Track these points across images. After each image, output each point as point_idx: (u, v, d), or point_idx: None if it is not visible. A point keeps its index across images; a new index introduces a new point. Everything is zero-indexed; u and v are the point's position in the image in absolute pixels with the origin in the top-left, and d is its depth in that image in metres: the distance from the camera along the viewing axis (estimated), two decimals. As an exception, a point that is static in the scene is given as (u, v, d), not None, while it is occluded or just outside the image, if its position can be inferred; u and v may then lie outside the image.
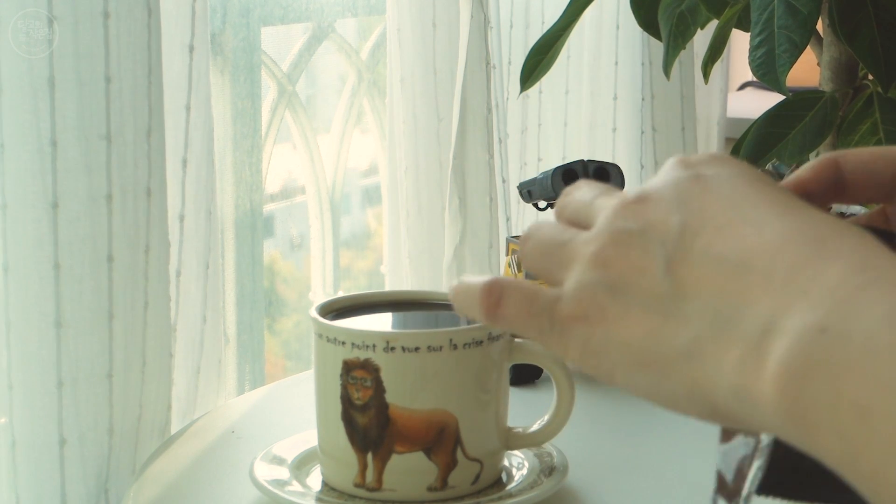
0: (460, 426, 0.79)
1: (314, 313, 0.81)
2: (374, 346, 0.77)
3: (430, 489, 0.79)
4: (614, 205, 0.46)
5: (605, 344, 0.44)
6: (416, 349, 0.77)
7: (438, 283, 1.38)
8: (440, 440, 0.78)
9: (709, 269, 0.43)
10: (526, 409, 0.90)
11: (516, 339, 0.81)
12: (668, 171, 0.47)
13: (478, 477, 0.80)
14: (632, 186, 1.59)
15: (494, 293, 0.47)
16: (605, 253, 0.45)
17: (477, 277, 0.48)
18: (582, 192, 0.50)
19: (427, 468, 0.79)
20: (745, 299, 0.41)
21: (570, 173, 1.01)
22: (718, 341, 0.41)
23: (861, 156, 0.55)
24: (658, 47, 1.49)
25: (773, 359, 0.39)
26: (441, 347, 0.77)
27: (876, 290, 0.38)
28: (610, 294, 0.44)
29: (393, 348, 0.77)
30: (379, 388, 0.77)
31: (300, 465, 0.83)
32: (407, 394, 0.77)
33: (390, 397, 0.77)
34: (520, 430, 0.82)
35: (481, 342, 0.79)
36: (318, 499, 0.79)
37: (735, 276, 0.42)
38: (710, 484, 0.49)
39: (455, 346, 0.78)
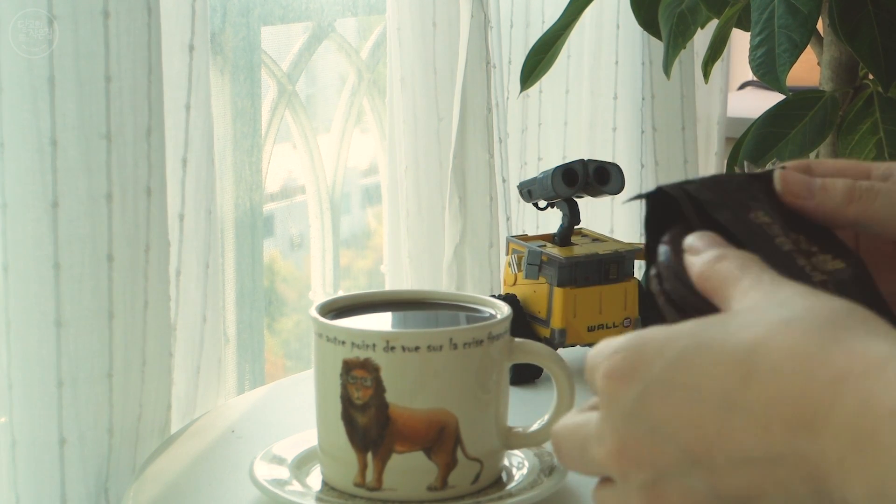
0: (460, 426, 0.79)
1: (314, 313, 0.81)
2: (374, 345, 0.77)
3: (430, 489, 0.79)
4: (614, 471, 0.46)
5: None
6: (416, 349, 0.77)
7: (438, 282, 1.38)
8: (440, 440, 0.78)
9: (747, 471, 0.43)
10: (526, 409, 0.90)
11: (516, 339, 0.81)
12: (611, 399, 0.46)
13: (478, 476, 0.80)
14: (632, 187, 1.59)
15: None
16: None
17: None
18: (566, 450, 0.49)
19: (427, 468, 0.79)
20: (806, 481, 0.42)
21: (570, 173, 1.01)
22: None
23: (835, 163, 0.56)
24: (658, 47, 1.49)
25: None
26: (441, 347, 0.77)
27: (889, 427, 0.40)
28: None
29: (393, 348, 0.77)
30: (379, 388, 0.77)
31: (300, 465, 0.83)
32: (407, 393, 0.77)
33: (390, 397, 0.77)
34: (520, 429, 0.82)
35: (481, 342, 0.78)
36: (318, 498, 0.79)
37: (776, 466, 0.42)
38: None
39: (455, 346, 0.78)
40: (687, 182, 0.55)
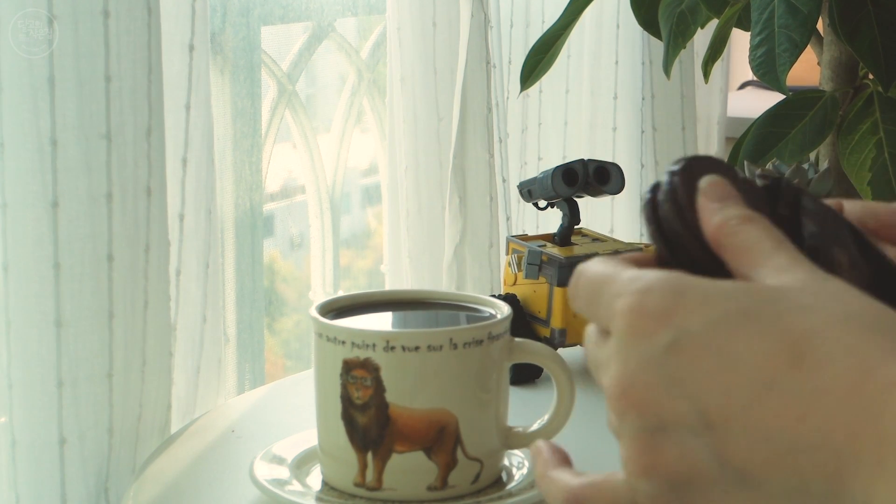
0: (460, 425, 0.79)
1: (314, 312, 0.81)
2: (374, 345, 0.77)
3: (430, 489, 0.79)
4: (613, 406, 0.45)
5: None
6: (416, 348, 0.77)
7: (438, 282, 1.38)
8: (440, 439, 0.78)
9: (763, 450, 0.42)
10: (526, 409, 0.90)
11: (516, 339, 0.81)
12: (632, 337, 0.44)
13: (478, 476, 0.80)
14: (632, 187, 1.59)
15: None
16: (643, 463, 0.44)
17: (561, 478, 0.48)
18: (589, 345, 0.47)
19: (427, 468, 0.79)
20: (826, 476, 0.41)
21: (570, 173, 1.01)
22: None
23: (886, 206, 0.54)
24: (658, 47, 1.49)
25: None
26: (441, 347, 0.77)
27: None
28: (679, 496, 0.44)
29: (393, 347, 0.77)
30: (379, 388, 0.77)
31: (300, 465, 0.83)
32: (407, 393, 0.77)
33: (390, 396, 0.77)
34: (520, 429, 0.82)
35: (481, 341, 0.78)
36: (318, 498, 0.79)
37: (798, 454, 0.41)
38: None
39: (455, 346, 0.78)
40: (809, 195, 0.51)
